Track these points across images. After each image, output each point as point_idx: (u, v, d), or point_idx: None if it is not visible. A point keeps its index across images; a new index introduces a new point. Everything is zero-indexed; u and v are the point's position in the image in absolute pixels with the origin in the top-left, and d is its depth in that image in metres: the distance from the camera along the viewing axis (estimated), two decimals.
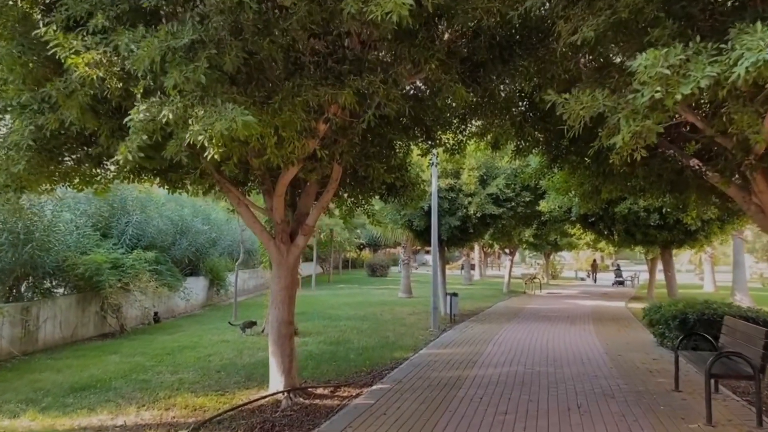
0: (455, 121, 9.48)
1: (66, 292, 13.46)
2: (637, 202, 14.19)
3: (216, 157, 4.57)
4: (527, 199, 16.83)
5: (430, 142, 9.39)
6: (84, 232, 14.27)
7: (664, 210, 13.61)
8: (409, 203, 10.12)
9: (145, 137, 4.67)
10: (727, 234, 17.98)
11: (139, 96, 4.80)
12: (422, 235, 17.28)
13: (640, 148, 4.74)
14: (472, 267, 41.85)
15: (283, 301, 7.57)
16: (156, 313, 16.36)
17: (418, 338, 13.06)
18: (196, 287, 20.46)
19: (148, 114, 4.69)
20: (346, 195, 9.66)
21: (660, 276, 23.48)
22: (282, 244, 7.50)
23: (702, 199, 8.67)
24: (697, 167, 7.74)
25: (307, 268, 34.04)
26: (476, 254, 42.49)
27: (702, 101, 7.48)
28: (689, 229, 14.76)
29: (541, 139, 9.44)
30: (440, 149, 9.64)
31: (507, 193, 16.57)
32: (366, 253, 55.05)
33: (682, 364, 7.73)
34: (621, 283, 36.20)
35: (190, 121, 4.53)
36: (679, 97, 4.05)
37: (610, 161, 4.74)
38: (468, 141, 9.73)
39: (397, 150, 8.52)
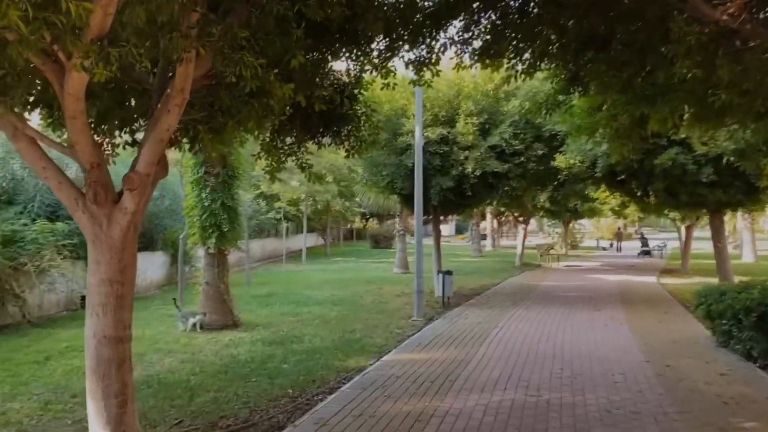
0: (427, 25, 6.31)
1: None
2: (689, 149, 10.61)
3: None
4: (540, 152, 13.36)
5: (386, 53, 6.21)
6: None
7: (725, 160, 10.01)
8: (358, 148, 6.83)
9: None
10: None
11: None
12: (410, 200, 13.98)
13: None
14: (483, 237, 38.55)
15: (103, 305, 4.41)
16: (83, 297, 13.39)
17: (392, 333, 9.93)
18: (150, 264, 17.49)
19: None
20: (271, 139, 6.48)
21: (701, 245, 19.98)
22: (97, 206, 4.30)
23: None
24: None
25: (297, 241, 31.05)
26: (488, 222, 39.06)
27: None
28: (755, 186, 11.20)
29: (553, 40, 6.07)
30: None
31: (514, 145, 13.10)
32: (372, 224, 51.80)
33: None
34: (647, 253, 32.73)
35: None
36: None
37: None
38: (442, 52, 6.48)
39: (312, 52, 5.25)
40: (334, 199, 26.96)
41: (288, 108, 5.09)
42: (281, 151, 6.61)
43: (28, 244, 11.10)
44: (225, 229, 10.33)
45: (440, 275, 13.12)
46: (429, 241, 16.05)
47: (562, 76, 6.74)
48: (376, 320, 11.11)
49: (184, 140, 5.33)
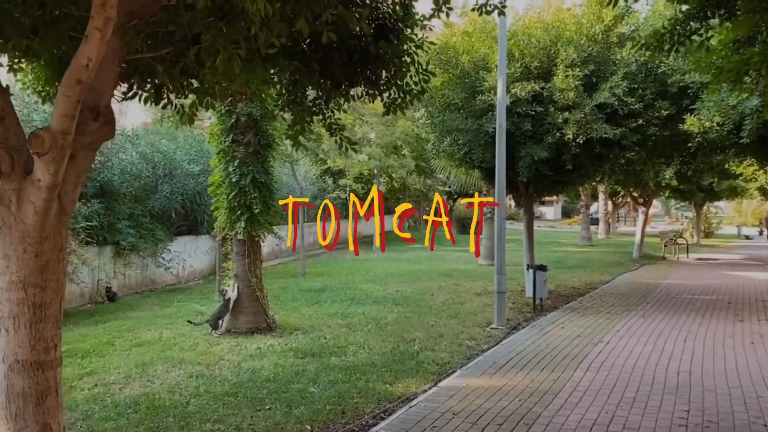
0: None
1: None
2: None
3: None
4: (665, 112, 11.61)
5: None
6: None
7: None
8: (402, 102, 5.68)
9: None
10: None
11: None
12: (493, 175, 12.69)
13: None
14: (595, 222, 36.25)
15: (15, 317, 3.59)
16: (108, 288, 13.21)
17: (461, 345, 8.81)
18: (194, 250, 17.27)
19: None
20: (288, 90, 5.55)
21: None
22: (1, 178, 3.48)
23: None
24: None
25: (370, 225, 30.33)
26: (600, 204, 36.66)
27: None
28: None
29: None
30: None
31: (630, 103, 11.41)
32: (461, 204, 50.33)
33: None
34: None
35: None
36: None
37: None
38: None
39: None
40: (410, 175, 25.89)
41: (285, 40, 4.01)
42: (301, 108, 5.62)
43: None
44: (256, 211, 9.53)
45: (530, 271, 11.79)
46: (538, 227, 14.74)
47: None
48: (444, 327, 10.00)
49: (147, 89, 4.46)
